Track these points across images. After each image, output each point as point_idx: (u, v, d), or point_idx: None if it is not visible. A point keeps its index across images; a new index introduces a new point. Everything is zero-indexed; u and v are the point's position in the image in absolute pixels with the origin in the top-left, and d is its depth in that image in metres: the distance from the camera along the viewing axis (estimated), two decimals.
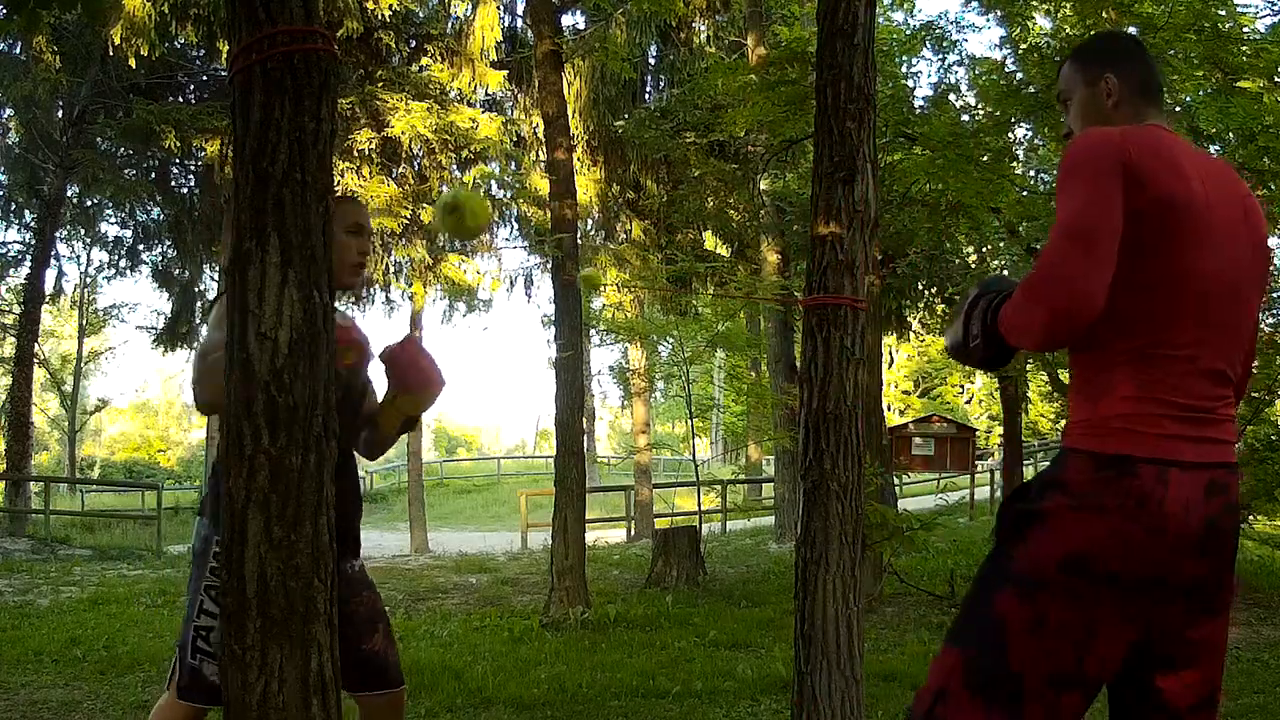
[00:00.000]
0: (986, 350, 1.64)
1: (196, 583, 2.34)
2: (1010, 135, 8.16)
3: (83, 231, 20.07)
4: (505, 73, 13.84)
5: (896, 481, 13.22)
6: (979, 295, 1.67)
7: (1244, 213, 1.60)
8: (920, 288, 14.12)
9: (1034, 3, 8.78)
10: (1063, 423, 9.30)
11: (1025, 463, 16.92)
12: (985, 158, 7.90)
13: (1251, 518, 8.11)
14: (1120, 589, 1.45)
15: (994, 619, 1.50)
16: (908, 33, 10.49)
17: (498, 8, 13.64)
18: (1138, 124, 1.64)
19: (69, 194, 16.95)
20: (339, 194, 2.58)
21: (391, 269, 14.82)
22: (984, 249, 12.81)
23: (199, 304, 18.48)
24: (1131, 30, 7.21)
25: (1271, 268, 1.69)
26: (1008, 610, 1.49)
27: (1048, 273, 1.47)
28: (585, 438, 8.59)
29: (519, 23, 15.22)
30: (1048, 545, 1.48)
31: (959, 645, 1.54)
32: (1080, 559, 1.45)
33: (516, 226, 16.82)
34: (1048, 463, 1.76)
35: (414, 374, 2.45)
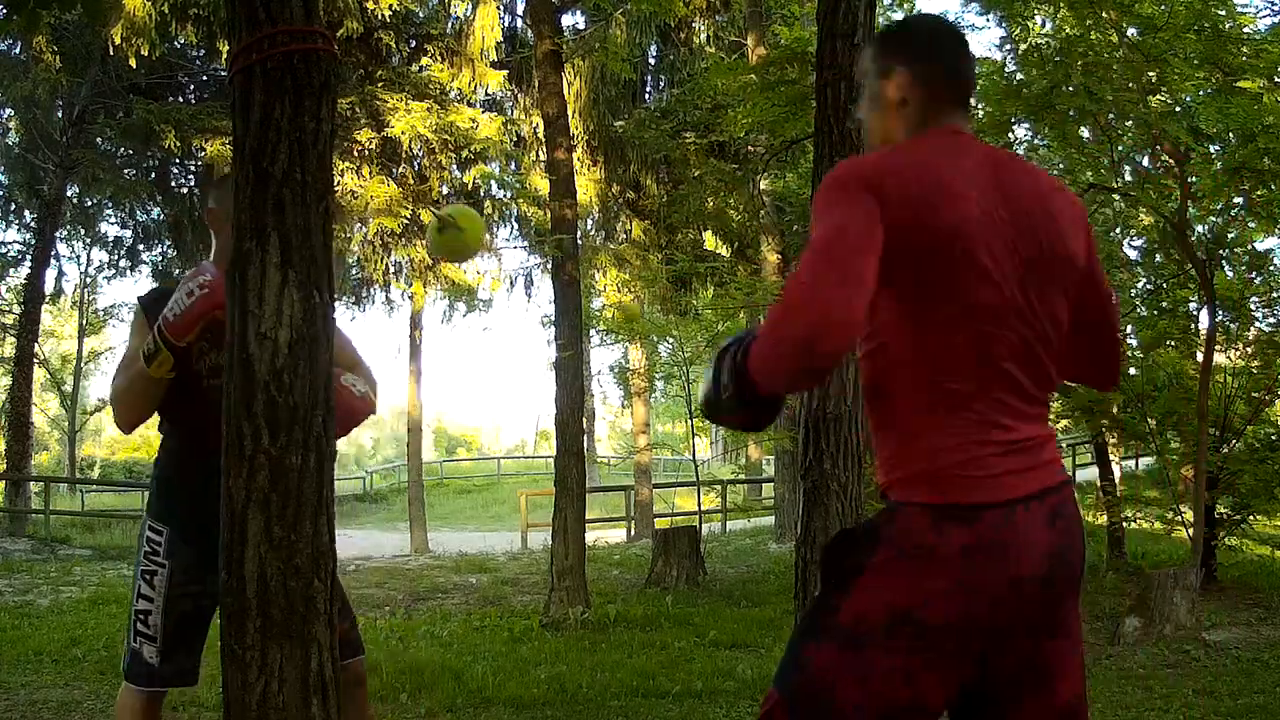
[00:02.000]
0: (740, 400, 1.47)
1: (135, 570, 2.36)
2: (1010, 135, 8.15)
3: (83, 231, 20.06)
4: (505, 73, 13.83)
5: None
6: (730, 343, 1.52)
7: (1044, 218, 1.48)
8: None
9: (1034, 3, 8.77)
10: (1064, 422, 9.22)
11: None
12: None
13: (1252, 517, 8.10)
14: (954, 637, 1.38)
15: (815, 673, 1.42)
16: None
17: (498, 8, 13.64)
18: (921, 129, 1.53)
19: (69, 194, 16.95)
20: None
21: (391, 269, 14.82)
22: None
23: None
24: (1132, 30, 7.22)
25: (1082, 264, 1.56)
26: (829, 663, 1.41)
27: (797, 293, 1.32)
28: (585, 438, 8.59)
29: (519, 23, 15.23)
30: (875, 598, 1.39)
31: (782, 690, 1.46)
32: (908, 613, 1.37)
33: (516, 226, 16.83)
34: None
35: (346, 421, 2.32)
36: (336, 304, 2.04)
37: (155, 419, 2.40)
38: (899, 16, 12.31)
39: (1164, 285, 9.07)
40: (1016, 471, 1.42)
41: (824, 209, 1.40)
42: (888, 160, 1.46)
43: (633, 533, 16.27)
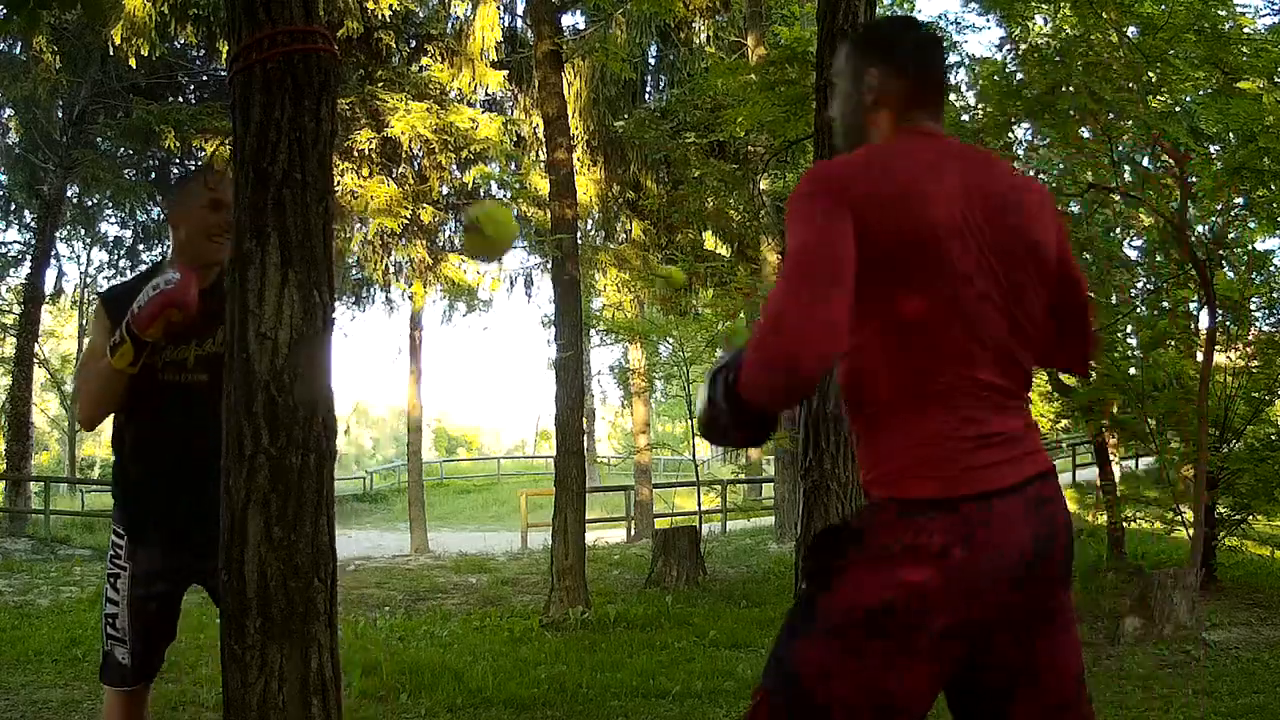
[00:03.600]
0: (735, 417, 1.48)
1: (106, 575, 2.36)
2: (1010, 135, 8.15)
3: (83, 231, 20.08)
4: (505, 73, 13.84)
5: None
6: (722, 364, 1.52)
7: (1014, 212, 1.49)
8: None
9: (1034, 3, 8.77)
10: (1064, 422, 9.23)
11: None
12: None
13: (1252, 517, 8.10)
14: (933, 634, 1.38)
15: (796, 671, 1.42)
16: None
17: (498, 8, 13.64)
18: (892, 130, 1.55)
19: (69, 194, 16.95)
20: (204, 171, 2.57)
21: (391, 269, 14.82)
22: None
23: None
24: (1132, 30, 7.22)
25: (1053, 253, 1.55)
26: (809, 661, 1.41)
27: (779, 312, 1.34)
28: (585, 438, 8.59)
29: (519, 23, 15.24)
30: (853, 595, 1.40)
31: (767, 688, 1.47)
32: (887, 608, 1.37)
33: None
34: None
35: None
36: (336, 304, 2.04)
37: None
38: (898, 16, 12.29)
39: (1164, 285, 9.06)
40: (994, 464, 1.42)
41: (796, 222, 1.41)
42: (856, 163, 1.47)
43: (633, 533, 16.27)
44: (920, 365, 1.44)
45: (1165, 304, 8.83)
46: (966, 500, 1.39)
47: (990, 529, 1.39)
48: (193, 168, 15.24)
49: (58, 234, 17.71)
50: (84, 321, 26.67)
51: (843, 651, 1.40)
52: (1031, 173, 10.95)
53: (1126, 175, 8.86)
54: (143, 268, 18.44)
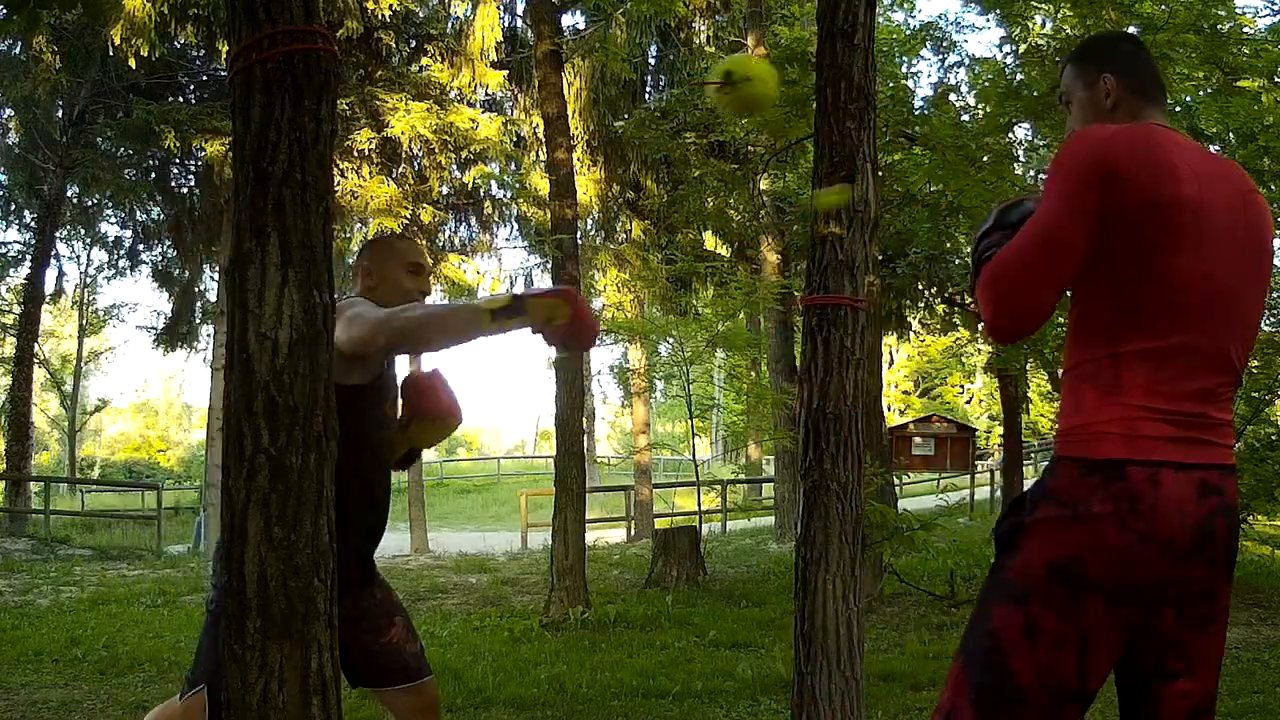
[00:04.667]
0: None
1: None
2: (1010, 136, 8.16)
3: (83, 231, 20.08)
4: (505, 73, 13.84)
5: (896, 481, 13.22)
6: (991, 228, 1.68)
7: (1245, 216, 1.57)
8: (920, 288, 14.11)
9: (1034, 3, 8.78)
10: None
11: (1025, 462, 16.91)
12: (986, 159, 7.90)
13: (1251, 518, 8.10)
14: (1108, 596, 1.44)
15: (991, 632, 1.50)
16: (908, 33, 10.50)
17: (498, 8, 13.65)
18: (1135, 123, 1.62)
19: (69, 194, 16.96)
20: (398, 233, 2.58)
21: None
22: None
23: (199, 304, 18.49)
24: (1132, 29, 7.22)
25: (1273, 270, 1.65)
26: (1003, 622, 1.49)
27: (1002, 274, 1.54)
28: (585, 438, 8.59)
29: (519, 23, 15.24)
30: (1036, 554, 1.48)
31: (962, 657, 1.55)
32: (1066, 566, 1.45)
33: (516, 226, 16.83)
34: (1046, 463, 1.75)
35: (432, 401, 2.41)
36: (336, 304, 2.03)
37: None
38: (898, 16, 12.31)
39: None
40: (1170, 439, 1.47)
41: (1050, 189, 1.53)
42: (1115, 133, 1.55)
43: (633, 533, 16.27)
44: (1136, 330, 1.50)
45: None
46: (1131, 464, 1.45)
47: (1156, 499, 1.44)
48: (193, 170, 15.23)
49: (58, 234, 17.72)
50: (84, 321, 26.70)
51: (1028, 607, 1.47)
52: (1032, 173, 10.98)
53: None
54: (143, 268, 18.49)
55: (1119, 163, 1.48)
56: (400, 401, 2.43)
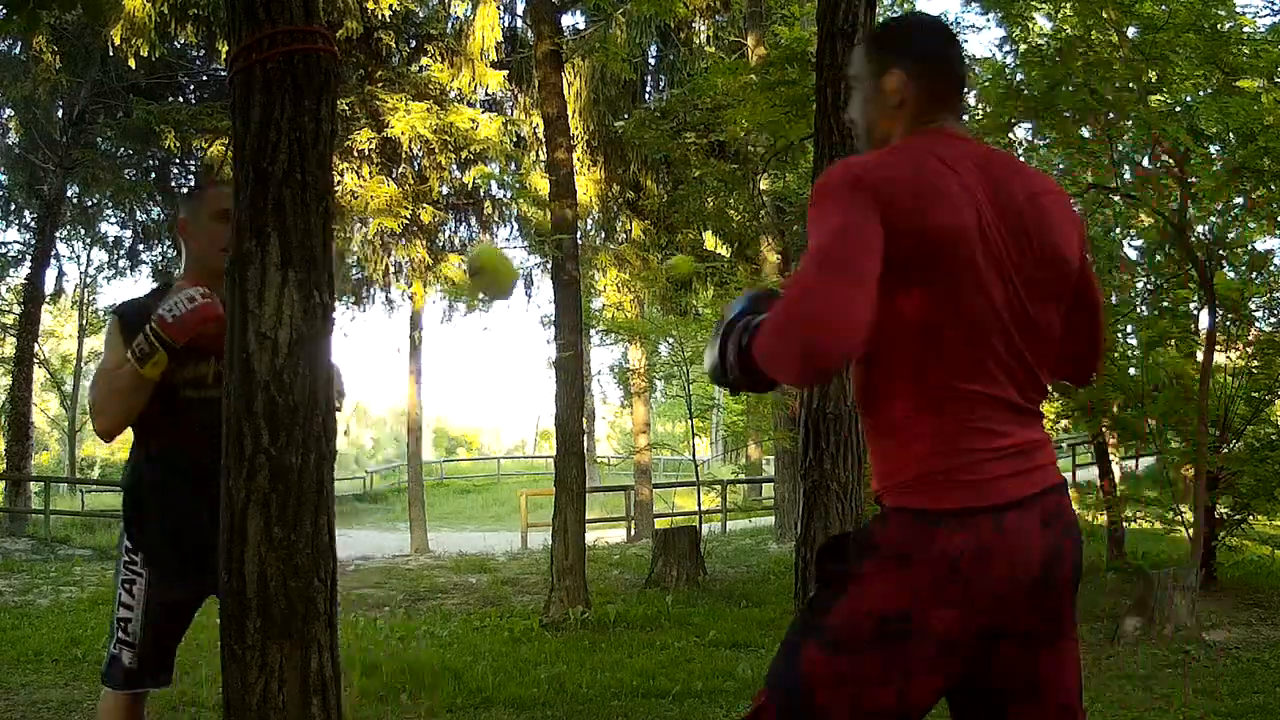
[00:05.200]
0: (745, 378, 1.49)
1: (116, 579, 2.37)
2: (1010, 135, 8.14)
3: (83, 231, 20.05)
4: (505, 73, 13.84)
5: None
6: (738, 315, 1.52)
7: (1036, 219, 1.46)
8: None
9: (1034, 3, 8.77)
10: (1064, 422, 9.21)
11: None
12: None
13: (1252, 517, 8.10)
14: (941, 645, 1.37)
15: (802, 671, 1.42)
16: None
17: (498, 8, 13.64)
18: (917, 130, 1.52)
19: (69, 194, 16.95)
20: (212, 180, 2.59)
21: (391, 269, 14.82)
22: None
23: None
24: (1132, 30, 7.23)
25: (1077, 265, 1.54)
26: (815, 664, 1.41)
27: (799, 304, 1.32)
28: (585, 438, 8.59)
29: (519, 23, 15.24)
30: (863, 604, 1.39)
31: (769, 690, 1.47)
32: (897, 619, 1.37)
33: (516, 226, 16.83)
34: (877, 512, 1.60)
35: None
36: (336, 304, 2.04)
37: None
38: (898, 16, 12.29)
39: (1164, 285, 9.06)
40: (1008, 476, 1.40)
41: (819, 214, 1.39)
42: (881, 161, 1.44)
43: (633, 533, 16.27)
44: (935, 372, 1.41)
45: (1165, 304, 8.84)
46: (979, 513, 1.38)
47: (1002, 541, 1.38)
48: (193, 170, 15.25)
49: (58, 234, 17.71)
50: (84, 322, 26.69)
51: (849, 657, 1.39)
52: None
53: (1126, 175, 8.87)
54: (143, 268, 18.49)
55: (886, 198, 1.37)
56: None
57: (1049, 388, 1.53)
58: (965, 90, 1.62)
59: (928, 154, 1.46)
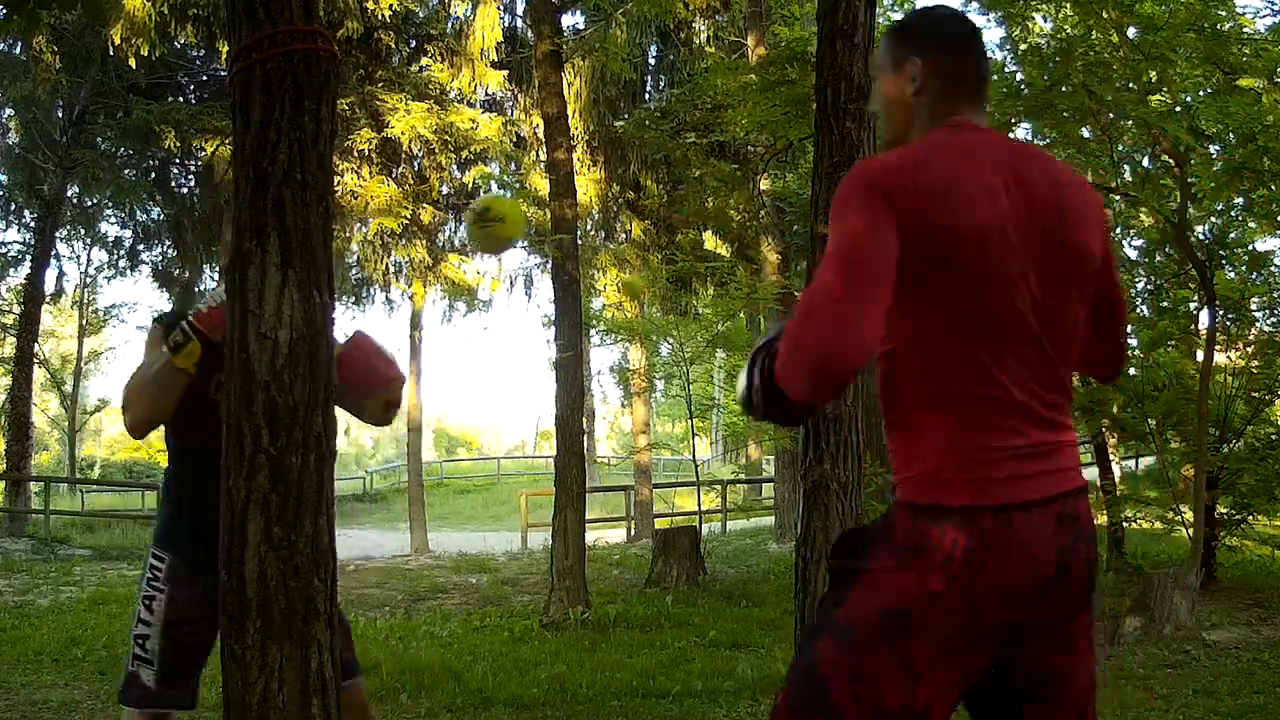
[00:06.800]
0: (767, 404, 1.50)
1: (138, 594, 2.37)
2: (1010, 136, 8.16)
3: (83, 231, 20.05)
4: (505, 73, 13.83)
5: None
6: (766, 341, 1.52)
7: (1059, 214, 1.45)
8: None
9: (1034, 3, 8.77)
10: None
11: None
12: None
13: (1252, 517, 8.10)
14: (954, 641, 1.37)
15: (816, 665, 1.43)
16: None
17: (498, 8, 13.64)
18: (936, 124, 1.51)
19: (69, 194, 16.94)
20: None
21: (391, 269, 14.83)
22: None
23: (199, 304, 18.46)
24: (1132, 30, 7.22)
25: (1097, 258, 1.52)
26: (828, 659, 1.42)
27: (818, 306, 1.32)
28: (585, 438, 8.59)
29: (519, 23, 15.23)
30: (873, 599, 1.40)
31: (787, 684, 1.48)
32: (904, 615, 1.37)
33: None
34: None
35: (368, 378, 2.38)
36: (336, 304, 2.03)
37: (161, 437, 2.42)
38: (898, 15, 12.30)
39: (1164, 285, 9.07)
40: (1021, 477, 1.40)
41: (838, 218, 1.39)
42: (900, 161, 1.43)
43: (633, 533, 16.26)
44: (954, 371, 1.41)
45: (1165, 304, 8.83)
46: (985, 511, 1.37)
47: (1008, 541, 1.37)
48: (193, 170, 15.26)
49: (58, 234, 17.70)
50: (84, 322, 26.68)
51: (861, 652, 1.40)
52: None
53: (1126, 175, 8.87)
54: (143, 268, 18.48)
55: (904, 198, 1.36)
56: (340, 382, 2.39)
57: (1069, 388, 1.51)
58: (987, 83, 1.60)
59: (946, 151, 1.45)
